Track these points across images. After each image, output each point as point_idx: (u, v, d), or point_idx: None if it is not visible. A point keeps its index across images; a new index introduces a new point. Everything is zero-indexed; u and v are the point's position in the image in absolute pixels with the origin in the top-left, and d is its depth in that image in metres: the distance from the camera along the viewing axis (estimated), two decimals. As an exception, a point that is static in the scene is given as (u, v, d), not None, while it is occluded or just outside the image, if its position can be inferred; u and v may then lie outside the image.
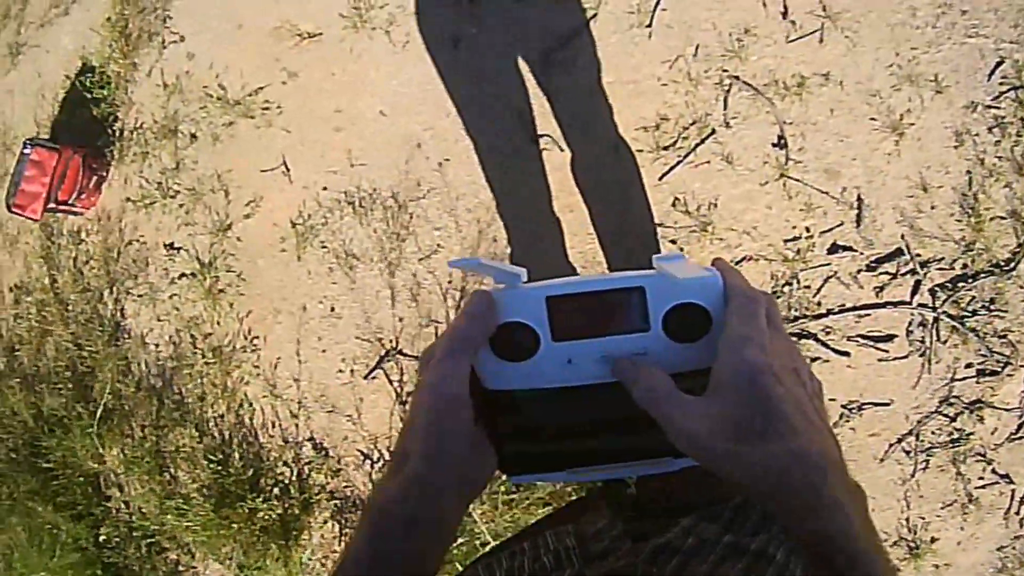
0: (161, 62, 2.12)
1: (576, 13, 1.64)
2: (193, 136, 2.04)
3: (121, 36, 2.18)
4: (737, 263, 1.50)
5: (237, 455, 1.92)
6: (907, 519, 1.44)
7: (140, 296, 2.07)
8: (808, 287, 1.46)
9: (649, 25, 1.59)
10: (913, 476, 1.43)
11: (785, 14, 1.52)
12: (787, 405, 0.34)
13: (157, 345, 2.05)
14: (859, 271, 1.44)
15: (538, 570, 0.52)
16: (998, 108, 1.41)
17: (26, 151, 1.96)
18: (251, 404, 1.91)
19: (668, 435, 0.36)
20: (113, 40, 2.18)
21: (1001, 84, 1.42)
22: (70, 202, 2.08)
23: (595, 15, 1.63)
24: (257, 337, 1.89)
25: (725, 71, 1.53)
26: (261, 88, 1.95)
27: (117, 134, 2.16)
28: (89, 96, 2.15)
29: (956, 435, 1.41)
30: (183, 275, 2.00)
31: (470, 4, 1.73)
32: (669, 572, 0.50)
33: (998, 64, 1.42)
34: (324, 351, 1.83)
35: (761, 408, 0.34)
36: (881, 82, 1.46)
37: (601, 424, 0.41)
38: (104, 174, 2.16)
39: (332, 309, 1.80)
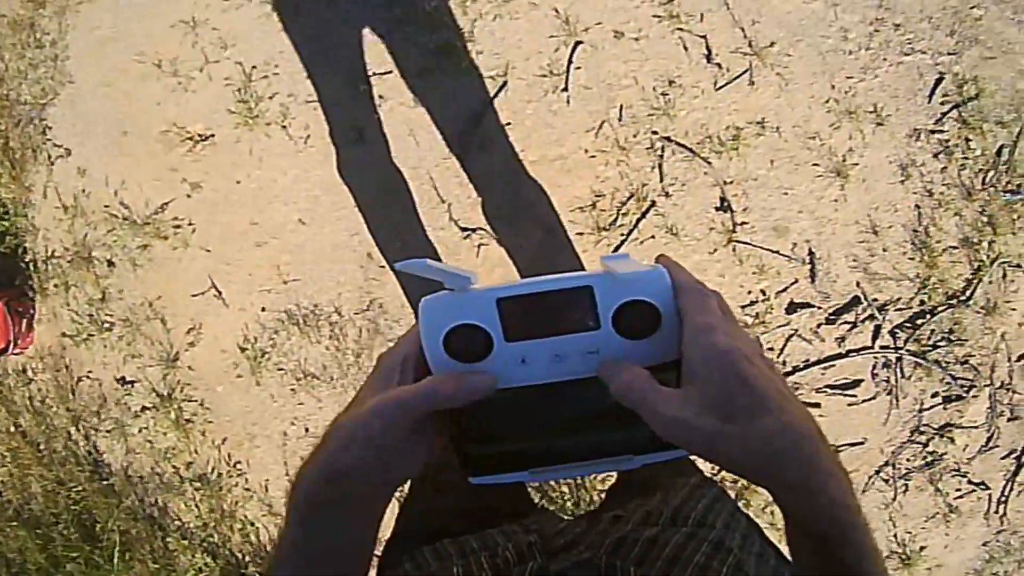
0: (53, 181, 1.94)
1: (483, 84, 1.48)
2: (110, 263, 1.90)
3: (5, 156, 1.97)
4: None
5: (256, 573, 1.97)
6: (895, 535, 1.52)
7: (109, 431, 2.02)
8: (771, 348, 1.44)
9: (565, 88, 1.44)
10: (895, 500, 1.49)
11: (709, 57, 1.38)
12: (763, 382, 0.34)
13: (142, 477, 2.03)
14: (819, 325, 1.42)
15: (500, 564, 0.52)
16: (942, 131, 1.33)
17: (-54, 309, 1.83)
18: (253, 524, 1.93)
19: (653, 425, 0.35)
20: (-2, 162, 1.97)
21: (943, 103, 1.32)
22: (7, 350, 1.98)
23: (505, 84, 1.47)
24: (239, 462, 1.88)
25: (655, 132, 1.41)
26: (166, 204, 1.79)
27: (31, 267, 2.00)
28: (-10, 234, 1.97)
29: (930, 458, 1.46)
30: (145, 408, 1.95)
31: (367, 87, 1.55)
32: (631, 561, 0.50)
33: (938, 82, 1.32)
34: (307, 465, 1.82)
35: (740, 388, 0.34)
36: (819, 122, 1.35)
37: (561, 423, 0.42)
38: (32, 312, 2.03)
39: (307, 429, 1.77)
